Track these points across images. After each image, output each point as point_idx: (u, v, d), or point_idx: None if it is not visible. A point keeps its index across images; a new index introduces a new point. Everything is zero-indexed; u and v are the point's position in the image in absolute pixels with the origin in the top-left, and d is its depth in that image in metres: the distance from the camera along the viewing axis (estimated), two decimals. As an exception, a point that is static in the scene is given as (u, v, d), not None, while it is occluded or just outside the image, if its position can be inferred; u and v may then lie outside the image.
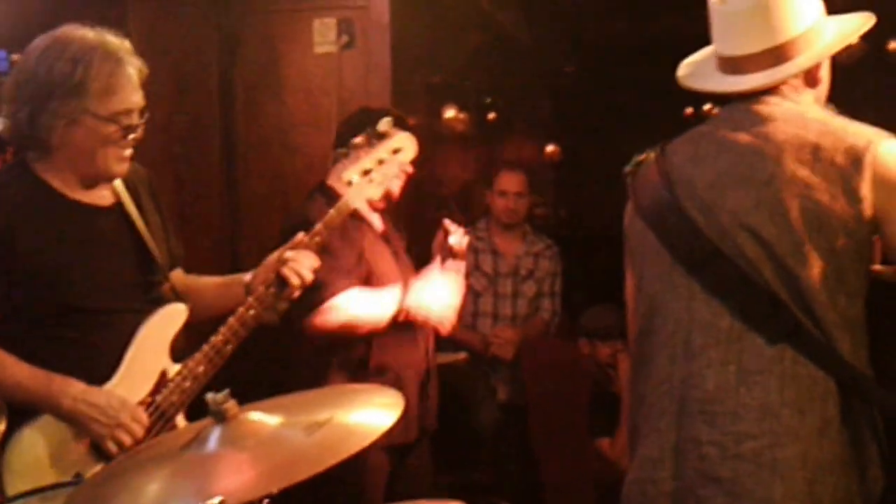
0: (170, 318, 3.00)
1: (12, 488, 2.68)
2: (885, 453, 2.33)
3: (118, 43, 2.89)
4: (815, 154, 2.33)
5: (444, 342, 5.10)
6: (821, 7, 2.52)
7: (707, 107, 8.11)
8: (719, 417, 2.33)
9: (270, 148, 5.40)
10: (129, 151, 2.92)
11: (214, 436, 2.12)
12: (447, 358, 4.94)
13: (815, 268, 2.29)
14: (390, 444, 3.60)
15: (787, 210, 2.31)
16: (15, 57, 4.33)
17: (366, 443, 2.08)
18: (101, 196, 2.99)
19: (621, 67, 8.40)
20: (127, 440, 2.78)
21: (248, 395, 2.26)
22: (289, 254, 3.06)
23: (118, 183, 3.03)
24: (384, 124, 3.27)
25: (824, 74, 2.57)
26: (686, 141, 2.57)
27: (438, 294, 3.86)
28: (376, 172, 3.23)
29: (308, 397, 2.47)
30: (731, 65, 2.53)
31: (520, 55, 7.33)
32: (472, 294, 5.54)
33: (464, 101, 6.51)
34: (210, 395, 2.15)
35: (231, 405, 2.14)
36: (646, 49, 7.96)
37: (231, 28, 5.38)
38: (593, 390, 5.34)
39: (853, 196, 2.29)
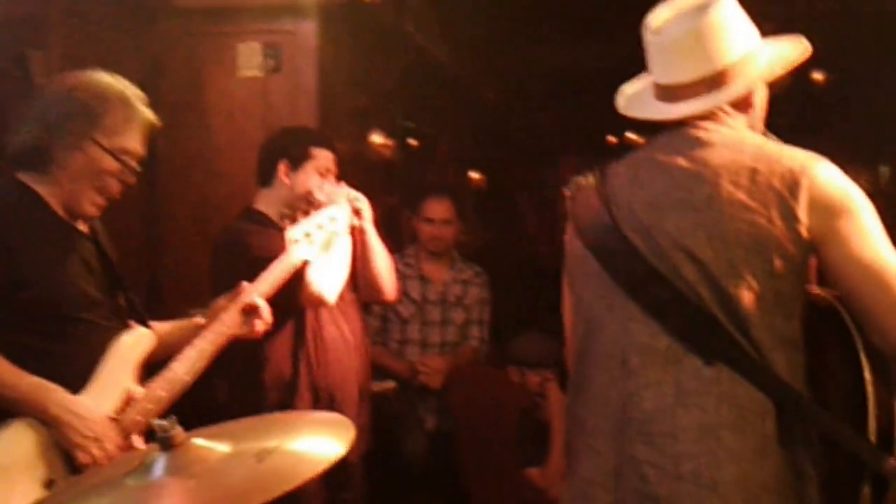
0: (140, 341, 3.12)
1: None
2: (822, 474, 2.35)
3: (136, 93, 3.13)
4: (752, 178, 2.36)
5: (372, 370, 5.06)
6: (756, 34, 2.57)
7: (630, 134, 8.25)
8: (658, 438, 2.34)
9: (193, 172, 5.35)
10: (104, 200, 3.09)
11: (160, 463, 2.05)
12: (376, 387, 4.89)
13: (752, 289, 2.31)
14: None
15: (725, 232, 2.34)
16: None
17: (320, 468, 2.03)
18: (79, 221, 3.14)
19: (544, 94, 8.48)
20: (99, 455, 2.84)
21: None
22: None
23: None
24: (324, 196, 3.80)
25: (758, 101, 2.61)
26: (625, 164, 2.60)
27: None
28: (315, 235, 3.60)
29: (253, 424, 2.40)
30: (668, 93, 2.57)
31: (443, 81, 7.35)
32: (399, 321, 5.52)
33: (390, 125, 6.48)
34: (156, 422, 2.09)
35: (178, 432, 2.08)
36: (567, 76, 8.08)
37: (154, 51, 5.32)
38: (522, 419, 5.33)
39: (790, 219, 2.32)
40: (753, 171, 2.37)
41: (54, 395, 2.84)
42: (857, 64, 7.32)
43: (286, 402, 3.83)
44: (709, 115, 2.52)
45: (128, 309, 3.20)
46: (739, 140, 2.47)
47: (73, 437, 2.83)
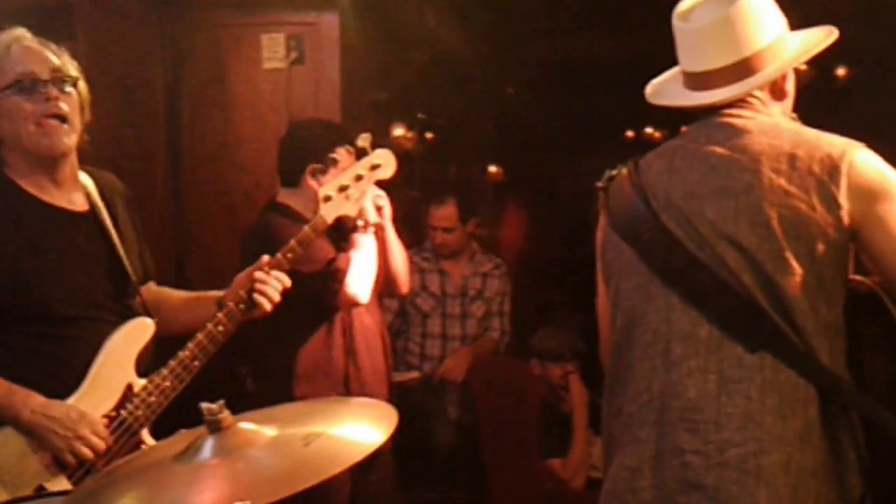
0: (137, 332, 2.97)
1: None
2: (864, 460, 2.34)
3: (9, 33, 2.88)
4: (791, 164, 2.36)
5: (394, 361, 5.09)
6: (783, 22, 2.56)
7: (649, 129, 8.24)
8: (701, 426, 2.33)
9: (217, 163, 5.36)
10: (53, 122, 2.83)
11: (209, 446, 2.06)
12: (400, 377, 4.91)
13: (796, 275, 2.30)
14: None
15: (767, 219, 2.33)
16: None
17: (367, 452, 2.08)
18: (74, 200, 2.97)
19: (563, 89, 8.45)
20: (86, 452, 2.77)
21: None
22: (258, 275, 3.05)
23: (93, 190, 3.01)
24: (363, 139, 3.43)
25: (790, 88, 2.60)
26: (659, 155, 2.58)
27: None
28: (353, 189, 3.30)
29: (296, 409, 2.42)
30: (698, 80, 2.55)
31: (464, 75, 7.34)
32: (419, 314, 5.54)
33: (411, 119, 6.49)
34: (204, 405, 2.09)
35: (226, 415, 2.09)
36: (587, 70, 8.05)
37: (178, 42, 5.34)
38: (544, 411, 5.35)
39: (831, 204, 2.31)
40: (793, 157, 2.36)
41: (29, 400, 2.75)
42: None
43: (319, 391, 3.74)
44: (742, 103, 2.51)
45: (135, 289, 3.05)
46: (776, 126, 2.46)
47: (54, 440, 2.75)
